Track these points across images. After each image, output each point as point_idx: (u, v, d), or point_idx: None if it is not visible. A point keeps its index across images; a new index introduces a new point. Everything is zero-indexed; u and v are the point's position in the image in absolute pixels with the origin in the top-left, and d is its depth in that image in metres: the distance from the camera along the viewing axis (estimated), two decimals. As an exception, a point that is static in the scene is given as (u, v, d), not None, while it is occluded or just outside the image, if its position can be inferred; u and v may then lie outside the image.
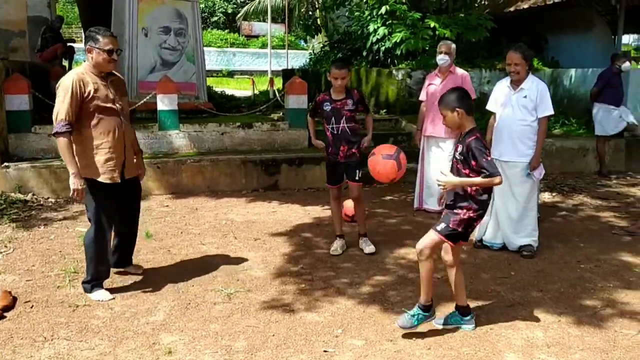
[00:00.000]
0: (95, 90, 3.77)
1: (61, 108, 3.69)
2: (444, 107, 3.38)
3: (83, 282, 4.03)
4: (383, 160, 4.14)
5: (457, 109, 3.31)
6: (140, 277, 4.33)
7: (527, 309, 3.79)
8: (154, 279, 4.30)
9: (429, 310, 3.45)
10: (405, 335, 3.43)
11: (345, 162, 4.85)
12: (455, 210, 3.37)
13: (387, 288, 4.19)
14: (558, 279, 4.35)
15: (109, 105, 3.83)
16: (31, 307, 3.81)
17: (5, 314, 3.68)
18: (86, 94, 3.73)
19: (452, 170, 3.43)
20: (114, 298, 3.95)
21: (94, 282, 3.98)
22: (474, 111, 3.40)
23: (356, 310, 3.80)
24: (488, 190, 3.38)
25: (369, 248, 4.92)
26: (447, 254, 3.49)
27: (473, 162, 3.26)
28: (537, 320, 3.65)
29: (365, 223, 5.09)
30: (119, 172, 3.92)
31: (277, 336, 3.44)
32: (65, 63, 11.70)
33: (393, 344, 3.34)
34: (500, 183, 3.26)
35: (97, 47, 3.77)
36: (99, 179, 3.84)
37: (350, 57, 12.42)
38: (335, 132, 4.81)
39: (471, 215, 3.34)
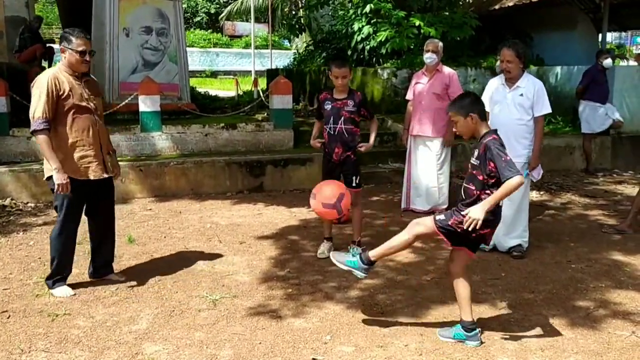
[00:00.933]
0: (70, 89, 3.81)
1: (38, 106, 3.71)
2: (456, 112, 3.22)
3: (46, 279, 4.03)
4: (324, 209, 4.07)
5: (471, 114, 3.16)
6: (122, 284, 4.19)
7: (520, 312, 3.73)
8: (136, 286, 4.17)
9: None
10: (395, 341, 3.34)
11: (340, 164, 4.71)
12: (462, 210, 3.16)
13: (376, 292, 4.11)
14: (550, 279, 4.29)
15: (83, 104, 3.87)
16: (8, 317, 3.65)
17: (-20, 325, 3.53)
18: (61, 92, 3.77)
19: (467, 181, 3.25)
20: (75, 294, 3.95)
21: (56, 277, 3.99)
22: (485, 116, 3.27)
23: (345, 316, 3.70)
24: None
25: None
26: (452, 262, 3.34)
27: (491, 165, 3.08)
28: (530, 322, 3.58)
29: (360, 231, 4.90)
30: (93, 170, 3.94)
31: (264, 344, 3.33)
32: (45, 64, 11.46)
33: (383, 350, 3.25)
34: (521, 183, 3.03)
35: (70, 47, 3.80)
36: (73, 176, 3.85)
37: (335, 57, 12.33)
38: (332, 133, 4.66)
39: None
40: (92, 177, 3.93)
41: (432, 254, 4.93)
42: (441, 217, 3.23)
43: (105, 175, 4.04)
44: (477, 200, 3.15)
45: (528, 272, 4.45)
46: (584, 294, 4.02)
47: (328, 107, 4.69)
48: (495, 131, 3.21)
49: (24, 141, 6.89)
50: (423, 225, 3.27)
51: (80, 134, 3.85)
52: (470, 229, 3.04)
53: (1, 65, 8.46)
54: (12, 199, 6.38)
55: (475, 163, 3.18)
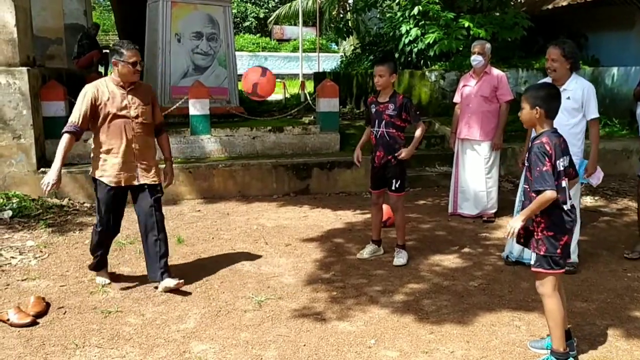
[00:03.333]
0: (109, 98, 4.02)
1: (75, 111, 3.99)
2: (525, 99, 3.09)
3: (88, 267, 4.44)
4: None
5: (537, 108, 3.02)
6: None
7: (572, 321, 3.59)
8: (185, 285, 4.27)
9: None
10: (440, 347, 3.30)
11: (382, 168, 4.71)
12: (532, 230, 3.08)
13: (422, 296, 4.06)
14: (604, 288, 4.14)
15: (122, 112, 4.05)
16: (64, 313, 3.81)
17: (38, 320, 3.69)
18: (99, 101, 3.99)
19: (524, 182, 3.20)
20: (110, 283, 4.27)
21: (94, 266, 4.36)
22: (554, 115, 3.09)
23: (389, 320, 3.68)
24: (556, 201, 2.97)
25: (398, 260, 4.70)
26: (539, 284, 3.13)
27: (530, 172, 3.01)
28: (583, 332, 3.46)
29: (403, 234, 4.84)
30: (124, 177, 4.10)
31: (309, 346, 3.35)
32: (102, 69, 11.89)
33: (428, 356, 3.22)
34: (552, 199, 2.91)
35: (123, 60, 4.02)
36: (104, 180, 4.07)
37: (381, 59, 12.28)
38: (376, 136, 4.68)
39: (546, 233, 3.01)
40: (123, 184, 4.11)
41: (480, 259, 4.84)
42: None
43: (136, 183, 4.12)
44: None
45: (581, 280, 4.30)
46: (640, 304, 3.87)
47: (373, 110, 4.69)
48: (552, 132, 3.04)
49: (80, 144, 7.10)
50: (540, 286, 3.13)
51: (113, 141, 4.05)
52: (508, 236, 3.02)
53: (60, 71, 8.82)
54: (69, 199, 6.65)
55: (527, 164, 3.09)
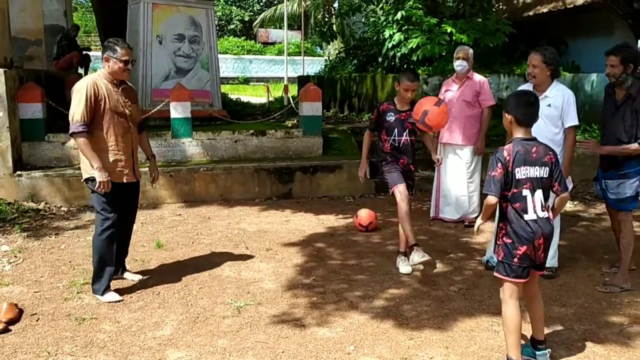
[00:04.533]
0: (107, 96, 3.99)
1: (77, 110, 3.88)
2: (504, 106, 3.15)
3: (93, 283, 4.11)
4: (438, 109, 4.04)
5: (506, 114, 3.07)
6: (148, 289, 4.24)
7: (550, 326, 3.61)
8: (162, 291, 4.22)
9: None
10: (419, 353, 3.28)
11: (404, 172, 4.71)
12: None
13: (402, 302, 4.04)
14: (582, 293, 4.16)
15: (119, 110, 4.05)
16: (37, 320, 3.73)
17: (10, 327, 3.60)
18: (99, 97, 3.95)
19: None
20: (122, 300, 4.03)
21: (103, 278, 4.06)
22: (525, 122, 3.06)
23: (369, 326, 3.66)
24: (509, 207, 3.01)
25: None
26: (500, 289, 3.12)
27: None
28: (560, 337, 3.47)
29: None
30: (126, 174, 4.12)
31: (287, 353, 3.31)
32: (81, 71, 11.74)
33: (408, 362, 3.19)
34: (492, 204, 2.99)
35: (115, 57, 4.00)
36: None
37: (366, 64, 12.32)
38: (397, 145, 4.65)
39: (504, 240, 3.04)
40: (125, 181, 4.11)
41: (461, 264, 4.84)
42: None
43: (134, 180, 4.23)
44: (500, 212, 3.09)
45: (559, 285, 4.32)
46: (618, 309, 3.88)
47: (391, 118, 4.65)
48: (522, 140, 3.03)
49: (58, 147, 7.06)
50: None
51: (115, 139, 4.03)
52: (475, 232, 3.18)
53: (39, 73, 8.68)
54: (46, 203, 6.54)
55: None
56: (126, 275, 4.44)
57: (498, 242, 3.10)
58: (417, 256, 4.32)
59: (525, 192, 2.99)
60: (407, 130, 4.63)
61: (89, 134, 3.91)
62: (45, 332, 3.56)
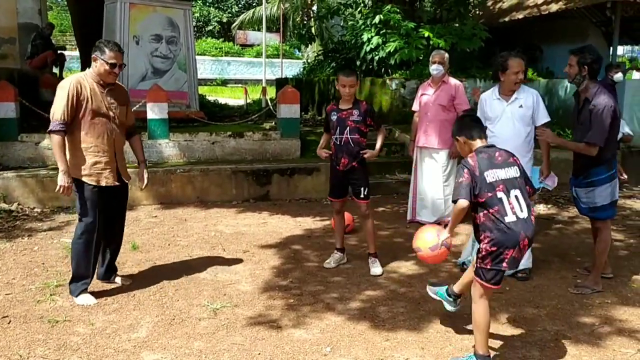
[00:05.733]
0: (91, 96, 3.89)
1: (57, 108, 3.79)
2: (453, 136, 3.36)
3: (70, 283, 4.05)
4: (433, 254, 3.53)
5: (458, 138, 3.26)
6: (124, 291, 4.19)
7: (523, 327, 3.67)
8: (138, 293, 4.17)
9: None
10: (395, 354, 3.30)
11: (347, 174, 4.68)
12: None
13: (378, 303, 4.07)
14: (555, 294, 4.23)
15: (102, 111, 3.95)
16: (8, 323, 3.65)
17: (-20, 330, 3.53)
18: (82, 97, 3.85)
19: None
20: (97, 302, 3.97)
21: (77, 281, 4.00)
22: (478, 135, 3.21)
23: (346, 327, 3.67)
24: (491, 213, 3.02)
25: (375, 270, 4.67)
26: (473, 289, 3.21)
27: None
28: (534, 338, 3.52)
29: (374, 242, 4.80)
30: (105, 176, 3.99)
31: (263, 354, 3.31)
32: (56, 70, 11.57)
33: (384, 363, 3.21)
34: (463, 208, 3.01)
35: (102, 58, 3.91)
36: (85, 180, 3.92)
37: (344, 67, 12.35)
38: (338, 143, 4.64)
39: (488, 248, 3.03)
40: (103, 184, 3.97)
41: (436, 266, 4.88)
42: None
43: (117, 183, 4.08)
44: (476, 224, 3.11)
45: (533, 286, 4.39)
46: (589, 310, 3.96)
47: (334, 117, 4.67)
48: (485, 147, 3.16)
49: (32, 147, 6.94)
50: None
51: (95, 140, 3.92)
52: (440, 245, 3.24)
53: (12, 72, 8.54)
54: (19, 204, 6.42)
55: None
56: (117, 280, 4.32)
57: (483, 252, 3.04)
58: (332, 257, 4.87)
59: (500, 194, 3.02)
60: (347, 129, 4.58)
61: (68, 134, 3.84)
62: (17, 334, 3.50)
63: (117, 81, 4.12)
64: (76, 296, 3.99)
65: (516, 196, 3.05)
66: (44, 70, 10.53)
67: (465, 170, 3.06)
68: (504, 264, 3.01)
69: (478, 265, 3.09)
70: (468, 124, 3.30)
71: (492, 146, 3.22)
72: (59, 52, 11.36)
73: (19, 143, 6.92)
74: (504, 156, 3.14)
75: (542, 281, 4.50)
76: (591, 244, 5.36)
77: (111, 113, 3.99)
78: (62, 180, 3.78)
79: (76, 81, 3.86)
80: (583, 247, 5.40)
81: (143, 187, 4.41)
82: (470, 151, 3.20)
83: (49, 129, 3.83)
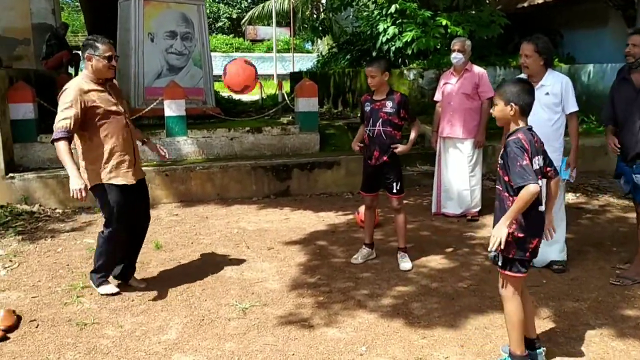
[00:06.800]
0: (97, 98, 3.79)
1: (60, 117, 3.67)
2: (499, 95, 2.97)
3: (91, 272, 4.09)
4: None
5: (512, 104, 2.89)
6: (150, 292, 4.11)
7: (565, 321, 3.54)
8: (164, 294, 4.09)
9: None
10: (434, 353, 3.19)
11: (377, 169, 4.54)
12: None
13: (411, 299, 3.95)
14: (594, 286, 4.08)
15: (113, 108, 3.86)
16: (36, 327, 3.60)
17: (8, 334, 3.47)
18: (88, 102, 3.73)
19: (497, 181, 3.04)
20: (119, 292, 4.02)
21: (99, 274, 4.04)
22: (529, 110, 2.95)
23: (380, 325, 3.56)
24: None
25: (405, 265, 4.56)
26: (502, 286, 3.03)
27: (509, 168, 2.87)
28: (577, 333, 3.39)
29: (405, 236, 4.67)
30: (132, 174, 3.94)
31: (297, 355, 3.21)
32: (71, 70, 11.55)
33: (423, 362, 3.10)
34: (536, 192, 2.76)
35: (97, 54, 3.79)
36: (114, 182, 3.84)
37: (359, 58, 12.22)
38: (371, 135, 4.49)
39: (516, 234, 2.87)
40: (133, 181, 3.93)
41: (467, 259, 4.76)
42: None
43: (141, 177, 4.09)
44: (505, 205, 2.92)
45: (570, 279, 4.24)
46: (632, 302, 3.81)
47: (367, 108, 4.54)
48: (528, 129, 2.93)
49: (51, 147, 6.80)
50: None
51: (116, 140, 3.84)
52: (494, 248, 2.83)
53: (29, 72, 8.50)
54: (40, 205, 6.38)
55: (500, 162, 2.96)
56: (132, 282, 4.24)
57: (508, 239, 2.87)
58: (360, 253, 4.76)
59: (540, 182, 2.87)
60: (380, 120, 4.44)
61: (87, 141, 3.78)
62: (45, 339, 3.44)
63: (116, 78, 4.08)
64: (97, 286, 4.03)
65: (541, 186, 2.90)
66: (60, 71, 10.50)
67: (525, 153, 2.81)
68: (527, 254, 2.90)
69: (503, 255, 2.92)
70: (528, 94, 2.94)
71: (531, 128, 2.98)
72: (73, 52, 11.34)
73: (39, 144, 6.88)
74: (540, 142, 2.99)
75: (579, 273, 4.35)
76: (626, 233, 5.25)
77: (120, 109, 3.91)
78: (75, 184, 3.64)
79: (77, 88, 3.73)
80: (618, 236, 5.24)
81: (169, 155, 4.32)
82: (509, 123, 2.95)
83: (52, 139, 3.69)
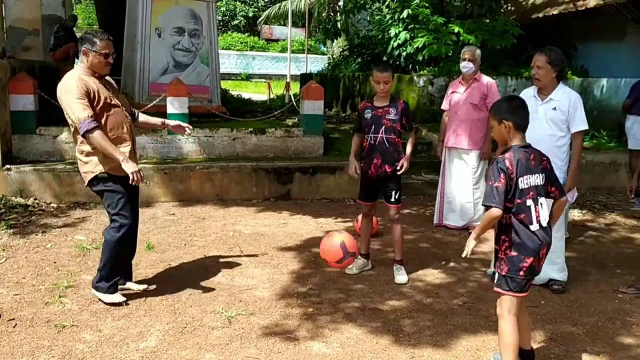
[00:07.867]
0: (98, 90, 3.70)
1: (76, 109, 3.56)
2: (492, 115, 2.96)
3: (97, 282, 3.85)
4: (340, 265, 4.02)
5: (505, 122, 2.86)
6: (135, 295, 3.99)
7: (561, 346, 3.38)
8: (149, 297, 3.98)
9: None
10: (422, 374, 3.05)
11: (378, 178, 4.40)
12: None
13: (402, 315, 3.81)
14: (594, 310, 3.92)
15: (113, 101, 3.78)
16: (14, 326, 3.50)
17: (-16, 333, 3.38)
18: (91, 92, 3.65)
19: None
20: (126, 301, 3.83)
21: (108, 281, 3.82)
22: (523, 127, 2.91)
23: (368, 341, 3.42)
24: (512, 218, 2.82)
25: (400, 278, 4.41)
26: (498, 304, 2.97)
27: None
28: (573, 359, 3.24)
29: (401, 248, 4.54)
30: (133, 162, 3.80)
31: (279, 370, 3.08)
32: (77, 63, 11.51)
33: (408, 384, 2.96)
34: (497, 217, 2.76)
35: (94, 50, 3.70)
36: (118, 174, 3.71)
37: (370, 62, 12.06)
38: (372, 142, 4.35)
39: (508, 252, 2.86)
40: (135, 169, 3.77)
41: (465, 274, 4.61)
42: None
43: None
44: (501, 226, 2.88)
45: (570, 300, 4.08)
46: (633, 329, 3.64)
47: (368, 115, 4.39)
48: (520, 147, 2.86)
49: (50, 140, 6.83)
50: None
51: (116, 131, 3.76)
52: (464, 256, 2.89)
53: (33, 63, 8.45)
54: (35, 199, 6.30)
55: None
56: (131, 285, 4.08)
57: (500, 256, 2.90)
58: (356, 263, 4.56)
59: (529, 202, 2.83)
60: (383, 127, 4.31)
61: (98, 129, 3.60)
62: (21, 340, 3.33)
63: (122, 73, 3.96)
64: (106, 293, 3.81)
65: (541, 204, 2.86)
66: (66, 63, 10.45)
67: (502, 174, 2.77)
68: (521, 273, 2.83)
69: (499, 273, 2.90)
70: (520, 109, 2.92)
71: (528, 146, 2.91)
72: (81, 44, 11.28)
73: (37, 136, 6.81)
74: (537, 160, 2.90)
75: (579, 295, 4.18)
76: (631, 255, 5.07)
77: (119, 101, 3.84)
78: (130, 167, 3.57)
79: (78, 78, 3.62)
80: (622, 258, 5.05)
81: (190, 130, 4.21)
82: (506, 140, 2.90)
83: (82, 132, 3.55)
